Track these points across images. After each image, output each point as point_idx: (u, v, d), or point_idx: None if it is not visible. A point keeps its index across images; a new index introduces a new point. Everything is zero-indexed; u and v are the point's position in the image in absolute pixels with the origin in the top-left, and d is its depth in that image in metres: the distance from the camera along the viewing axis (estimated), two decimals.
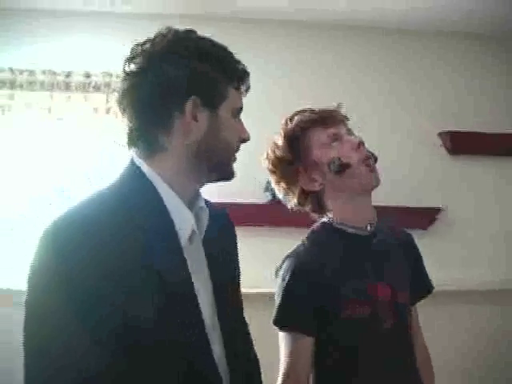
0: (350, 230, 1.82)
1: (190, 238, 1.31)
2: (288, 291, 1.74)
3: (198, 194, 1.39)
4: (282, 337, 1.76)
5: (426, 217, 4.13)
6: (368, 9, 4.03)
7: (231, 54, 1.36)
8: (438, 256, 3.68)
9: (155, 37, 1.33)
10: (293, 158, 1.85)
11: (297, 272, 1.74)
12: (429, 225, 4.14)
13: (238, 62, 1.36)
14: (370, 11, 4.06)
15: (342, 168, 1.79)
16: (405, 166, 4.19)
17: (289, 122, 1.89)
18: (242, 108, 1.39)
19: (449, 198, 4.29)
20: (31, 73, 3.88)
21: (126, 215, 1.22)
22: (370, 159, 1.81)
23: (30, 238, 3.65)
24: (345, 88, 4.21)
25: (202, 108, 1.30)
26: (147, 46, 1.32)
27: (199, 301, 1.28)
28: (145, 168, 1.30)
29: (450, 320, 4.07)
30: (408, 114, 4.32)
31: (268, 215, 3.61)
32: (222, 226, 1.50)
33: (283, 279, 1.76)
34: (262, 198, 3.78)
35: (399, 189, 3.99)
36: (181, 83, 1.28)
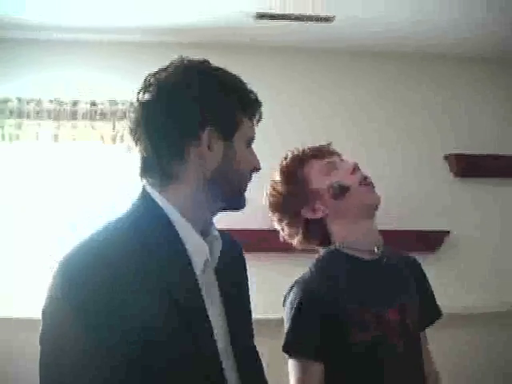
0: (358, 254, 1.81)
1: (204, 267, 1.31)
2: (296, 318, 1.74)
3: (211, 223, 1.39)
4: (292, 364, 1.75)
5: (434, 240, 4.11)
6: (373, 33, 4.06)
7: (245, 83, 1.36)
8: (445, 279, 3.67)
9: (168, 66, 1.33)
10: (293, 192, 1.86)
11: (305, 299, 1.74)
12: (436, 248, 4.13)
13: (252, 92, 1.37)
14: (375, 36, 4.10)
15: (342, 191, 1.80)
16: (411, 189, 4.19)
17: (284, 160, 1.92)
18: (253, 138, 1.40)
19: (456, 221, 4.28)
20: (38, 102, 3.91)
21: (140, 244, 1.22)
22: (368, 180, 1.83)
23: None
24: (350, 113, 4.24)
25: (217, 138, 1.30)
26: (161, 75, 1.32)
27: (213, 328, 1.29)
28: (157, 197, 1.30)
29: (458, 343, 4.03)
30: (414, 137, 4.33)
31: (271, 242, 3.57)
32: (234, 255, 1.50)
33: (291, 306, 1.76)
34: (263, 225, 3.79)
35: (406, 212, 3.99)
36: (196, 114, 1.28)
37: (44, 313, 1.18)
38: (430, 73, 4.45)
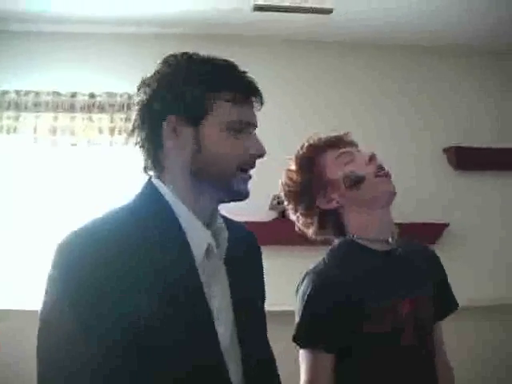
0: (372, 245, 1.80)
1: (207, 255, 1.32)
2: (308, 308, 1.72)
3: (215, 213, 1.39)
4: (302, 354, 1.74)
5: (432, 232, 4.11)
6: (371, 26, 4.06)
7: (223, 66, 1.34)
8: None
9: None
10: (308, 181, 1.84)
11: (317, 289, 1.72)
12: (435, 240, 4.13)
13: (229, 74, 1.33)
14: (373, 28, 4.10)
15: (358, 181, 1.78)
16: (410, 181, 4.18)
17: (300, 149, 1.90)
18: (238, 121, 1.32)
19: (455, 214, 4.29)
20: (36, 94, 3.91)
21: (139, 231, 1.25)
22: (384, 170, 1.81)
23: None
24: (348, 106, 4.24)
25: (183, 125, 1.31)
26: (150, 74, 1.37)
27: (216, 319, 1.29)
28: (161, 186, 1.34)
29: (456, 336, 4.03)
30: (413, 129, 4.33)
31: (274, 233, 3.60)
32: (248, 247, 1.50)
33: (303, 296, 1.74)
34: (265, 217, 3.81)
35: (405, 204, 3.97)
36: (159, 103, 1.31)
37: (45, 289, 1.23)
38: (429, 65, 4.44)
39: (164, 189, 1.33)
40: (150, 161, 1.36)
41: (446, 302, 1.94)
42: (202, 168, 1.31)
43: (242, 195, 1.36)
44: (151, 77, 1.34)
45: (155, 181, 1.35)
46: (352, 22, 3.99)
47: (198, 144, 1.30)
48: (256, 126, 1.37)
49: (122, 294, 1.17)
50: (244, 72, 1.35)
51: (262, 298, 1.53)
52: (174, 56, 1.36)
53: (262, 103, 1.37)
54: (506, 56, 4.47)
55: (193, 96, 1.30)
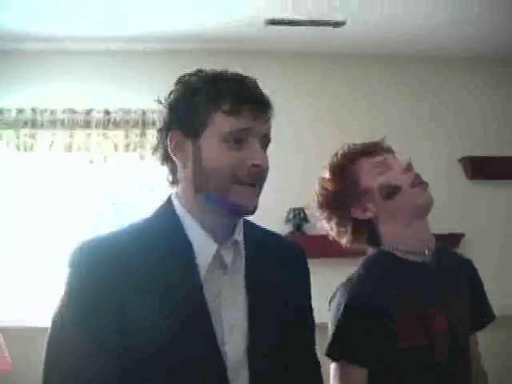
0: (408, 257, 1.74)
1: (220, 268, 1.33)
2: (342, 322, 1.67)
3: (231, 228, 1.36)
4: (335, 369, 1.68)
5: (449, 243, 4.08)
6: (383, 37, 4.07)
7: (223, 79, 1.32)
8: None
9: None
10: (342, 190, 1.79)
11: (351, 302, 1.67)
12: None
13: (228, 85, 1.31)
14: (385, 40, 4.11)
15: (393, 192, 1.73)
16: None
17: (334, 156, 1.85)
18: (239, 130, 1.29)
19: (470, 224, 4.26)
20: (52, 112, 3.95)
21: (150, 243, 1.29)
22: (420, 180, 1.75)
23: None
24: (363, 117, 4.24)
25: (184, 140, 1.32)
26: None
27: (227, 332, 1.29)
28: (174, 200, 1.37)
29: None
30: (429, 139, 4.32)
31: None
32: (287, 259, 1.46)
33: (337, 310, 1.69)
34: (281, 230, 3.81)
35: None
36: (165, 119, 1.36)
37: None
38: (444, 76, 4.44)
39: (176, 203, 1.36)
40: (170, 176, 1.39)
41: (482, 314, 1.88)
42: (202, 182, 1.31)
43: (242, 209, 1.31)
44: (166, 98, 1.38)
45: (173, 195, 1.38)
46: (365, 35, 4.01)
47: (198, 158, 1.30)
48: (261, 135, 1.32)
49: (123, 303, 1.22)
50: (247, 82, 1.33)
51: (301, 313, 1.47)
52: (184, 75, 1.38)
53: (267, 111, 1.33)
54: None
55: (192, 110, 1.31)
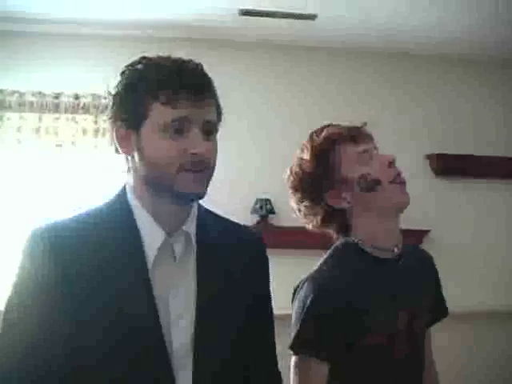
0: (376, 253, 1.71)
1: (170, 256, 1.34)
2: (308, 316, 1.62)
3: (183, 218, 1.37)
4: (296, 363, 1.65)
5: (413, 239, 4.12)
6: (354, 32, 4.10)
7: (163, 68, 1.30)
8: None
9: None
10: (321, 174, 1.72)
11: (317, 297, 1.62)
12: None
13: (167, 75, 1.29)
14: (357, 35, 4.13)
15: (373, 185, 1.69)
16: None
17: (315, 137, 1.77)
18: (179, 118, 1.27)
19: (436, 221, 4.33)
20: (21, 94, 3.90)
21: (99, 230, 1.32)
22: (402, 179, 1.73)
23: None
24: (332, 111, 4.23)
25: (128, 131, 1.32)
26: None
27: (174, 323, 1.31)
28: (127, 187, 1.38)
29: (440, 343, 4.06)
30: (396, 136, 4.34)
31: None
32: (243, 248, 1.46)
33: (303, 303, 1.64)
34: (246, 220, 3.82)
35: None
36: (109, 112, 1.36)
37: None
38: (413, 72, 4.49)
39: (128, 191, 1.37)
40: (125, 165, 1.38)
41: (438, 309, 1.89)
42: (147, 172, 1.31)
43: (189, 196, 1.32)
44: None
45: (127, 184, 1.38)
46: (336, 28, 4.03)
47: (141, 149, 1.31)
48: (202, 122, 1.30)
49: (71, 290, 1.25)
50: (187, 69, 1.31)
51: (257, 303, 1.46)
52: (129, 63, 1.37)
53: (207, 96, 1.31)
54: (491, 64, 4.54)
55: (131, 102, 1.31)
